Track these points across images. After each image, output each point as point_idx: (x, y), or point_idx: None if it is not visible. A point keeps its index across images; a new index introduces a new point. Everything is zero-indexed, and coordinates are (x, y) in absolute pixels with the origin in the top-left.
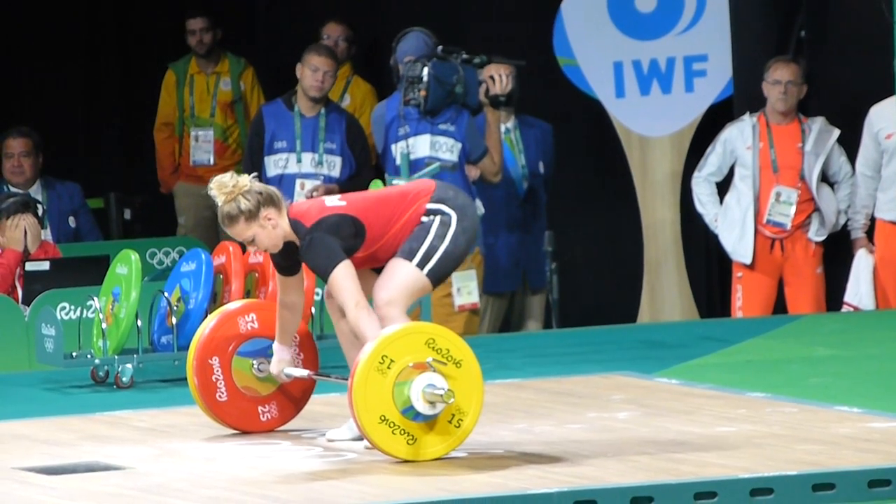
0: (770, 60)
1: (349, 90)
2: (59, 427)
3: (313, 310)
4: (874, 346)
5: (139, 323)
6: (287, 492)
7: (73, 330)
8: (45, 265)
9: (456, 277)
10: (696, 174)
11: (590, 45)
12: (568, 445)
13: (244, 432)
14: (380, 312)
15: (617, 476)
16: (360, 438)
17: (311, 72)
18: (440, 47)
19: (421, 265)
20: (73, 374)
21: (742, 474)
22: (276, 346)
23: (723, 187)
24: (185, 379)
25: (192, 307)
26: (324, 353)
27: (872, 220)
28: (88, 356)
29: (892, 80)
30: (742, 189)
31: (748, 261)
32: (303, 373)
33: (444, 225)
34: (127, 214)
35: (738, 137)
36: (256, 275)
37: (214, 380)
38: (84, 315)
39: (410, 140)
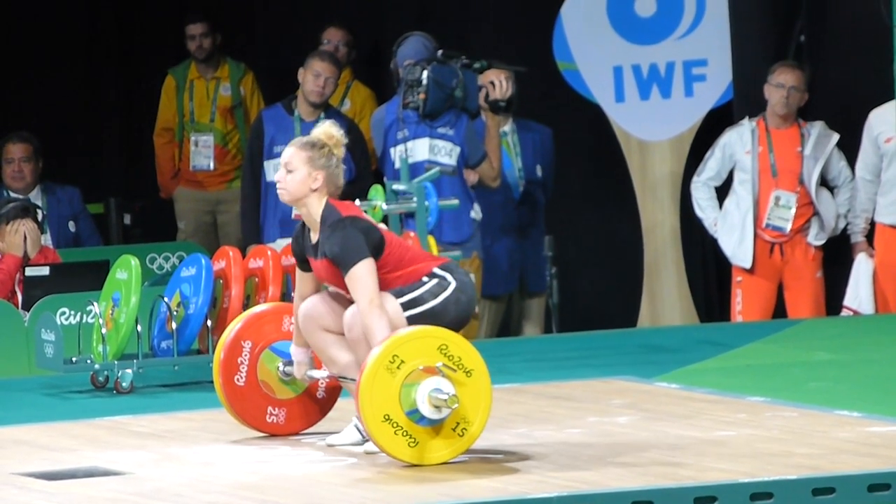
0: (775, 64)
1: (349, 95)
2: (59, 432)
3: None
4: (874, 350)
5: (139, 328)
6: (286, 497)
7: (73, 335)
8: (45, 270)
9: None
10: (695, 178)
11: (589, 49)
12: (568, 450)
13: (246, 426)
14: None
15: (617, 480)
16: (360, 443)
17: (314, 77)
18: (440, 51)
19: (405, 307)
20: (72, 380)
21: (742, 478)
22: (293, 349)
23: (722, 192)
24: (185, 384)
25: (191, 312)
26: None
27: (872, 224)
28: (88, 361)
29: (891, 85)
30: (741, 193)
31: (748, 265)
32: (323, 373)
33: (441, 287)
34: (127, 219)
35: (738, 142)
36: (256, 279)
37: (239, 362)
38: (84, 320)
39: (409, 144)
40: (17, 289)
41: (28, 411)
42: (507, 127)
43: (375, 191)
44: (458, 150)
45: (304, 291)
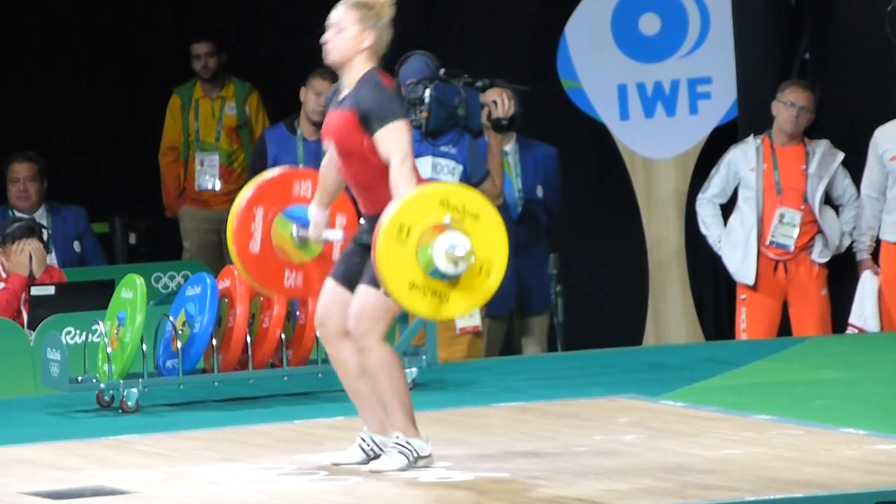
0: (785, 82)
1: None
2: (64, 451)
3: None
4: (880, 368)
5: (144, 347)
6: None
7: (79, 354)
8: (51, 290)
9: None
10: (700, 196)
11: (594, 67)
12: (574, 468)
13: (265, 291)
14: (357, 344)
15: (622, 499)
16: (365, 462)
17: (315, 96)
18: (442, 70)
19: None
20: (78, 399)
21: (748, 497)
22: (312, 207)
23: (727, 209)
24: (190, 403)
25: (196, 331)
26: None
27: (877, 241)
28: (94, 380)
29: None
30: (745, 210)
31: (751, 282)
32: (338, 234)
33: None
34: (132, 239)
35: (742, 159)
36: (261, 298)
37: (252, 229)
38: (89, 339)
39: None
40: (22, 308)
41: (33, 430)
42: (509, 147)
43: None
44: (460, 168)
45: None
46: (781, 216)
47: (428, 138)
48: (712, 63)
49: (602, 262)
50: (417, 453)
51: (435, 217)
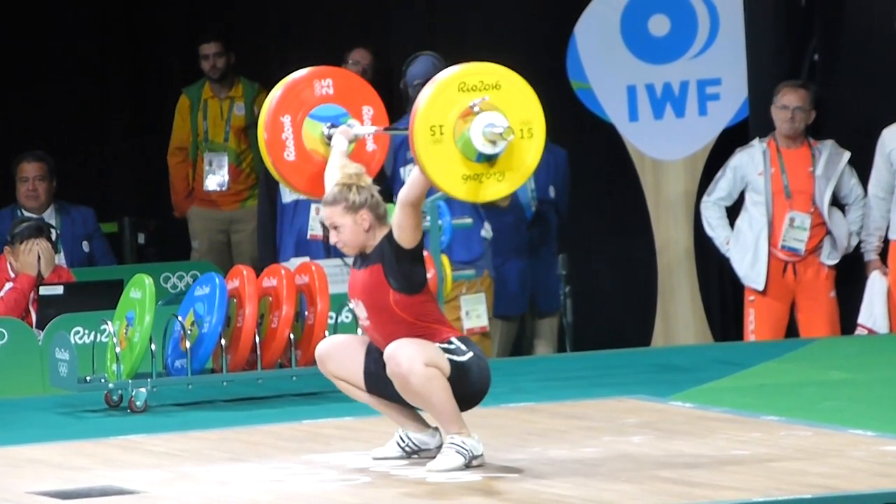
0: (779, 84)
1: None
2: (73, 451)
3: (327, 333)
4: (888, 369)
5: (153, 347)
6: None
7: (87, 354)
8: (59, 290)
9: (465, 301)
10: (705, 198)
11: (603, 68)
12: (583, 469)
13: (308, 195)
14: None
15: (631, 500)
16: (404, 457)
17: None
18: None
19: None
20: (86, 399)
21: (756, 498)
22: (337, 139)
23: (733, 211)
24: (199, 403)
25: (205, 331)
26: None
27: (886, 241)
28: (102, 380)
29: None
30: (754, 214)
31: (761, 286)
32: (370, 129)
33: (462, 352)
34: (141, 239)
35: (749, 163)
36: (270, 298)
37: (284, 138)
38: (98, 339)
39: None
40: (31, 308)
41: (42, 430)
42: None
43: (389, 210)
44: None
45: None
46: (792, 220)
47: None
48: (721, 64)
49: (611, 263)
50: (472, 452)
51: (460, 105)
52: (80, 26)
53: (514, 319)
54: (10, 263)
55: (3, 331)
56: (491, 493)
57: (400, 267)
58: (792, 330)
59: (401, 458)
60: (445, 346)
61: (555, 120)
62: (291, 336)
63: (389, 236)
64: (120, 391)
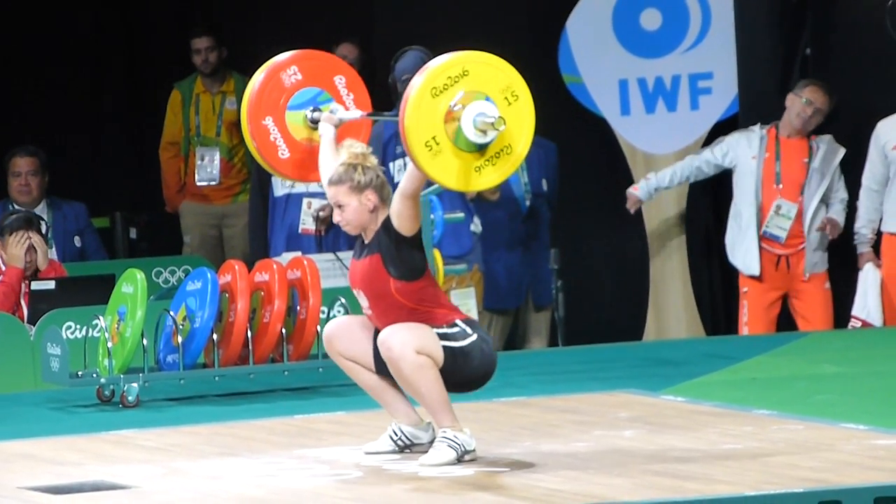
0: (807, 79)
1: None
2: (65, 446)
3: (319, 328)
4: (880, 363)
5: (145, 342)
6: None
7: (79, 349)
8: (51, 284)
9: (455, 295)
10: (692, 155)
11: (595, 62)
12: (574, 463)
13: (317, 182)
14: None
15: (623, 493)
16: (397, 451)
17: None
18: None
19: (440, 336)
20: (78, 394)
21: (748, 492)
22: (323, 126)
23: (725, 198)
24: (191, 398)
25: (197, 326)
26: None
27: (878, 234)
28: (94, 375)
29: None
30: (744, 200)
31: (756, 272)
32: (355, 114)
33: (466, 334)
34: (132, 233)
35: (746, 145)
36: (262, 293)
37: (273, 139)
38: (90, 334)
39: (408, 158)
40: (22, 302)
41: (34, 425)
42: None
43: None
44: None
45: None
46: (778, 207)
47: None
48: (713, 58)
49: (603, 256)
50: (464, 447)
51: (440, 110)
52: (73, 21)
53: (508, 313)
54: (0, 256)
55: None
56: (483, 487)
57: (399, 254)
58: (785, 322)
59: (393, 452)
60: (447, 329)
61: (546, 114)
62: (283, 331)
63: (387, 225)
64: (112, 386)
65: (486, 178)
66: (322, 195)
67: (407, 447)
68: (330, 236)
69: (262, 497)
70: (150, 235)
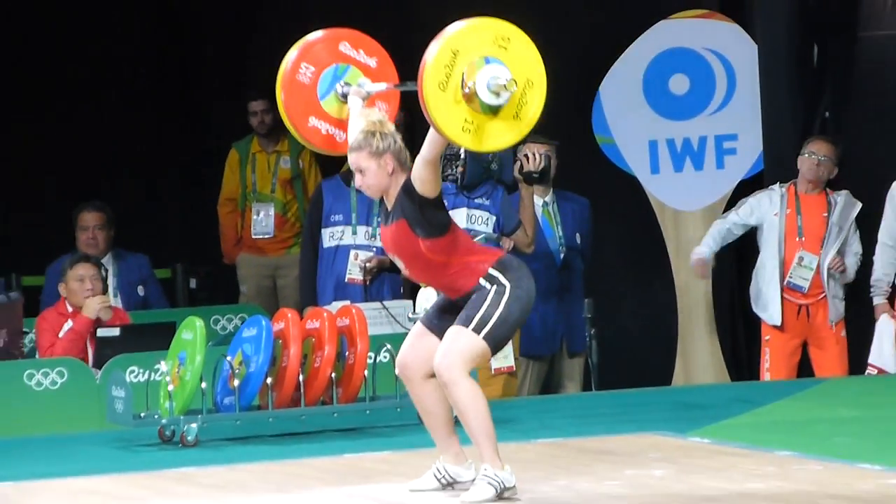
0: (810, 137)
1: None
2: (129, 483)
3: (367, 373)
4: (895, 408)
5: (203, 385)
6: None
7: (142, 392)
8: (116, 331)
9: None
10: (720, 218)
11: (626, 124)
12: (606, 501)
13: None
14: (441, 379)
15: None
16: (439, 489)
17: None
18: None
19: (477, 330)
20: (141, 434)
21: None
22: (352, 101)
23: (751, 252)
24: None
25: (252, 370)
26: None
27: (893, 287)
28: (156, 416)
29: None
30: (767, 255)
31: (778, 322)
32: (381, 86)
33: (499, 294)
34: (192, 284)
35: (767, 204)
36: (313, 339)
37: (326, 132)
38: (152, 378)
39: (449, 213)
40: (89, 347)
41: (99, 463)
42: (548, 197)
43: None
44: (493, 218)
45: None
46: (801, 259)
47: (463, 191)
48: (738, 121)
49: (634, 306)
50: (504, 485)
51: (458, 70)
52: (140, 87)
53: (544, 359)
54: (66, 298)
55: (63, 369)
56: None
57: (424, 216)
58: (804, 368)
59: (436, 489)
60: (484, 287)
61: (581, 172)
62: (333, 375)
63: (408, 189)
64: (172, 427)
65: (528, 112)
66: (367, 247)
67: (450, 485)
68: (375, 286)
69: None
70: (209, 285)
